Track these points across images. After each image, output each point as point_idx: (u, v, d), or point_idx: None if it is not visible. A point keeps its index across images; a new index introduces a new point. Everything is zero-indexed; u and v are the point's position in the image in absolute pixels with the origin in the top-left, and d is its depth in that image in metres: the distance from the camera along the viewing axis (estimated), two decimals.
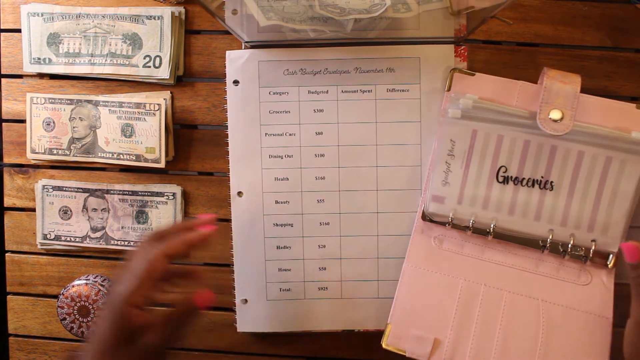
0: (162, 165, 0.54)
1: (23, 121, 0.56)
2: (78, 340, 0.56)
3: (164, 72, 0.52)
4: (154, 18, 0.52)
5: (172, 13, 0.52)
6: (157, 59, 0.52)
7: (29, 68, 0.55)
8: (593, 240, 0.47)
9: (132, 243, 0.55)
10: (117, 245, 0.55)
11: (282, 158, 0.52)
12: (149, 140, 0.53)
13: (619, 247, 0.47)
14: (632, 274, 0.42)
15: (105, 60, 0.53)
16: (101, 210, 0.55)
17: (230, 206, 0.53)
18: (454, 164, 0.49)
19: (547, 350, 0.46)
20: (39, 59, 0.54)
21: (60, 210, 0.55)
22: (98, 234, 0.55)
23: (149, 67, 0.53)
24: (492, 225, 0.48)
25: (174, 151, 0.55)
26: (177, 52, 0.53)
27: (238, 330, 0.53)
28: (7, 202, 0.56)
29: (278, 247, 0.53)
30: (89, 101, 0.54)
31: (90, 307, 0.53)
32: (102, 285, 0.53)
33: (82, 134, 0.54)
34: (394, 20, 0.49)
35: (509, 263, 0.48)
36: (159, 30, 0.52)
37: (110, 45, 0.53)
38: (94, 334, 0.39)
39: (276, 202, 0.52)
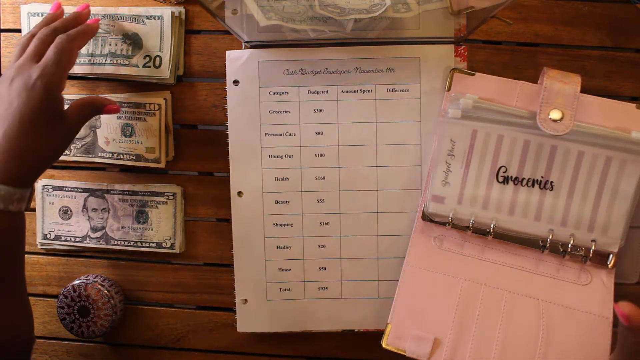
0: (162, 165, 0.54)
1: None
2: (78, 340, 0.56)
3: (164, 72, 0.52)
4: (154, 18, 0.52)
5: (172, 13, 0.52)
6: (157, 59, 0.52)
7: None
8: (593, 240, 0.47)
9: (132, 243, 0.55)
10: (117, 245, 0.55)
11: (282, 158, 0.52)
12: (149, 140, 0.53)
13: (618, 248, 0.47)
14: (622, 330, 0.40)
15: (105, 60, 0.53)
16: (101, 210, 0.55)
17: (230, 206, 0.53)
18: (454, 164, 0.49)
19: (547, 350, 0.46)
20: None
21: (60, 210, 0.55)
22: (98, 234, 0.55)
23: (149, 67, 0.53)
24: (492, 225, 0.48)
25: (174, 151, 0.55)
26: (177, 52, 0.53)
27: (238, 330, 0.53)
28: None
29: (278, 247, 0.53)
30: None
31: (90, 307, 0.53)
32: (102, 285, 0.53)
33: (82, 133, 0.54)
34: (394, 20, 0.49)
35: (509, 263, 0.49)
36: (159, 30, 0.52)
37: (110, 45, 0.53)
38: (17, 111, 0.42)
39: (276, 202, 0.52)
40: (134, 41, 0.53)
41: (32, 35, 0.46)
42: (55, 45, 0.44)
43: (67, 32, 0.45)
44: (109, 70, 0.53)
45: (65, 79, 0.45)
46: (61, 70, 0.44)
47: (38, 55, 0.44)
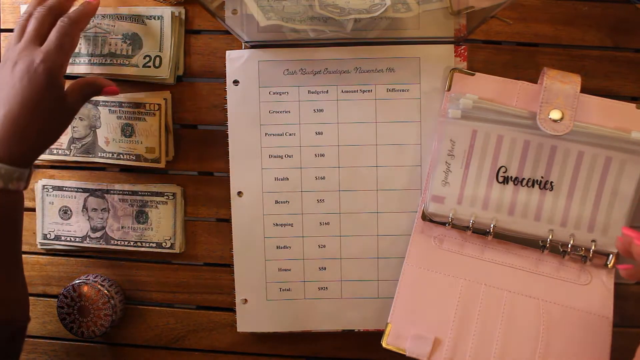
0: (162, 165, 0.54)
1: None
2: (78, 340, 0.56)
3: (164, 72, 0.52)
4: (154, 18, 0.52)
5: (172, 13, 0.52)
6: (157, 59, 0.52)
7: None
8: (593, 241, 0.47)
9: (132, 243, 0.55)
10: (117, 245, 0.55)
11: (282, 158, 0.52)
12: (149, 140, 0.53)
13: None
14: None
15: (105, 60, 0.53)
16: (101, 210, 0.55)
17: (230, 206, 0.53)
18: (454, 164, 0.49)
19: (547, 349, 0.46)
20: None
21: (60, 210, 0.55)
22: (98, 234, 0.55)
23: (149, 67, 0.53)
24: (492, 225, 0.48)
25: (174, 151, 0.55)
26: (177, 52, 0.53)
27: (238, 330, 0.53)
28: None
29: (278, 247, 0.53)
30: (89, 101, 0.54)
31: (90, 307, 0.53)
32: (102, 285, 0.53)
33: (82, 133, 0.54)
34: (394, 20, 0.49)
35: (509, 263, 0.49)
36: (159, 30, 0.52)
37: (110, 45, 0.53)
38: (19, 94, 0.43)
39: (276, 202, 0.52)
40: (133, 41, 0.53)
41: (29, 15, 0.46)
42: (58, 30, 0.45)
43: (69, 15, 0.46)
44: (109, 70, 0.53)
45: (67, 63, 0.46)
46: (63, 54, 0.45)
47: (38, 37, 0.45)
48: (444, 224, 0.49)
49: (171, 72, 0.53)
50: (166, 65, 0.52)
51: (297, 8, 0.45)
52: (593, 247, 0.47)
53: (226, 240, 0.54)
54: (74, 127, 0.54)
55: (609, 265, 0.47)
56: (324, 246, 0.52)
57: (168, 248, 0.54)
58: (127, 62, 0.53)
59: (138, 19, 0.53)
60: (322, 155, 0.52)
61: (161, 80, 0.53)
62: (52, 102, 0.44)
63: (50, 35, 0.45)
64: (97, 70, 0.53)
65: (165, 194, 0.54)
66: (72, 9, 0.48)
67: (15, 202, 0.45)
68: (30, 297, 0.56)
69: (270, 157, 0.52)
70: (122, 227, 0.55)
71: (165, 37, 0.52)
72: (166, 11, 0.52)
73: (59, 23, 0.45)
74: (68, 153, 0.55)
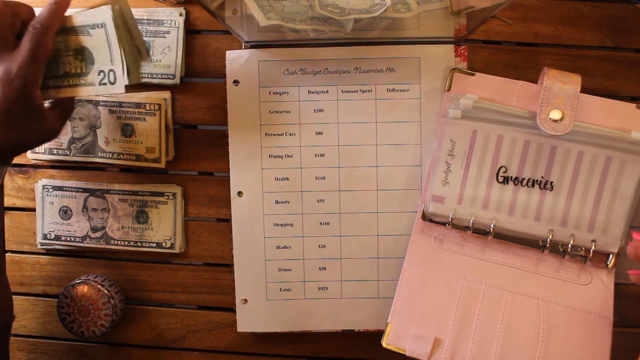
0: (162, 165, 0.54)
1: None
2: (78, 340, 0.56)
3: (120, 87, 0.44)
4: (98, 27, 0.44)
5: (112, 16, 0.43)
6: (111, 74, 0.45)
7: None
8: (593, 241, 0.47)
9: (132, 243, 0.55)
10: (117, 245, 0.55)
11: (282, 158, 0.52)
12: (149, 140, 0.53)
13: (618, 248, 0.47)
14: None
15: (62, 82, 0.46)
16: (101, 210, 0.55)
17: (230, 206, 0.53)
18: (454, 164, 0.49)
19: (547, 349, 0.46)
20: None
21: (60, 210, 0.55)
22: (98, 234, 0.55)
23: (105, 84, 0.45)
24: (492, 225, 0.48)
25: (174, 151, 0.55)
26: (131, 57, 0.45)
27: (238, 330, 0.53)
28: (7, 202, 0.56)
29: (278, 247, 0.53)
30: (88, 101, 0.54)
31: (90, 307, 0.53)
32: (102, 285, 0.53)
33: (82, 133, 0.54)
34: (394, 20, 0.49)
35: (509, 263, 0.49)
36: (105, 39, 0.44)
37: (64, 64, 0.45)
38: None
39: (276, 202, 0.52)
40: (84, 56, 0.45)
41: None
42: (30, 40, 0.42)
43: (40, 20, 0.42)
44: (67, 93, 0.46)
45: (43, 72, 0.43)
46: (38, 66, 0.42)
47: (3, 41, 0.42)
48: (444, 224, 0.49)
49: (132, 77, 0.44)
50: (121, 79, 0.44)
51: (297, 8, 0.45)
52: (593, 247, 0.47)
53: (226, 240, 0.54)
54: (74, 127, 0.54)
55: (609, 265, 0.47)
56: (324, 246, 0.52)
57: (168, 248, 0.54)
58: (84, 82, 0.45)
59: (82, 30, 0.44)
60: (322, 155, 0.52)
61: (166, 76, 0.52)
62: (26, 116, 0.43)
63: (22, 44, 0.42)
64: (55, 95, 0.46)
65: (165, 194, 0.54)
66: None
67: None
68: (30, 297, 0.57)
69: (270, 157, 0.52)
70: (122, 227, 0.55)
71: (113, 47, 0.44)
72: (107, 16, 0.43)
73: (31, 30, 0.42)
74: (68, 153, 0.55)
